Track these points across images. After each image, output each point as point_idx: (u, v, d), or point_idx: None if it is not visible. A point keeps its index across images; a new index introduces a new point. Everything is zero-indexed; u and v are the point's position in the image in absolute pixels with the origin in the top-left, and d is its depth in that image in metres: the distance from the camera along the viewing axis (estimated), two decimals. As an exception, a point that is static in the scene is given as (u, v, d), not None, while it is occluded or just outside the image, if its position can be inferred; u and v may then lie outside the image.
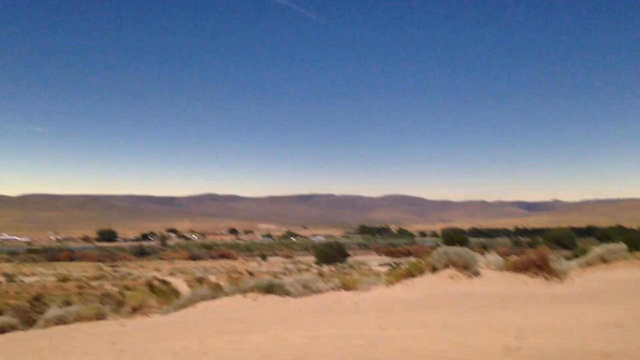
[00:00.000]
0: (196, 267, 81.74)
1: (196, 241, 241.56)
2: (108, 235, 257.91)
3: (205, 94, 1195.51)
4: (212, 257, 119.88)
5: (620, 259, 17.60)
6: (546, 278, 14.68)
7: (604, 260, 17.82)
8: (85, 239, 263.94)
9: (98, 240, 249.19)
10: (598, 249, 19.07)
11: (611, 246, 19.16)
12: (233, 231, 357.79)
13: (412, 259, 22.23)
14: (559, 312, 8.33)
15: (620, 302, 9.05)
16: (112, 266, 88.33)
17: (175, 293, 45.05)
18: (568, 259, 21.90)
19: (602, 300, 9.72)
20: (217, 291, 17.90)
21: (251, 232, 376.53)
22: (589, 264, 17.91)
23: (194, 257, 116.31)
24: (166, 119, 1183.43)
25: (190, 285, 51.40)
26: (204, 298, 16.49)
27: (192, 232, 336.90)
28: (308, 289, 16.55)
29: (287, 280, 18.06)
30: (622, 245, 19.05)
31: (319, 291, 16.55)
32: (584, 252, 24.14)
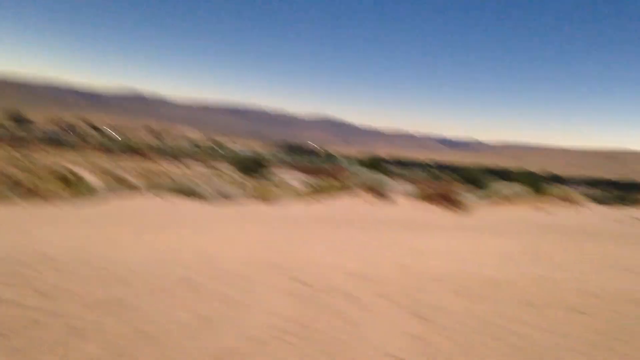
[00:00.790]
0: (112, 164, 79.09)
1: (115, 137, 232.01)
2: (20, 120, 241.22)
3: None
4: (130, 155, 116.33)
5: (522, 200, 18.91)
6: (453, 210, 15.58)
7: (507, 199, 19.09)
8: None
9: (8, 124, 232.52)
10: (504, 189, 20.41)
11: (516, 188, 20.58)
12: (154, 133, 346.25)
13: (332, 180, 22.74)
14: (459, 239, 8.93)
15: (513, 237, 9.78)
16: (22, 152, 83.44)
17: (89, 187, 43.60)
18: (477, 196, 23.27)
19: (499, 233, 10.46)
20: (132, 190, 17.45)
21: (174, 136, 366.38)
22: (494, 201, 19.12)
23: (109, 152, 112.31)
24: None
25: (104, 181, 49.89)
26: (117, 195, 16.04)
27: (109, 126, 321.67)
28: (224, 197, 16.53)
29: (204, 186, 17.88)
30: (526, 188, 20.50)
31: (235, 200, 16.58)
32: (493, 191, 25.66)
